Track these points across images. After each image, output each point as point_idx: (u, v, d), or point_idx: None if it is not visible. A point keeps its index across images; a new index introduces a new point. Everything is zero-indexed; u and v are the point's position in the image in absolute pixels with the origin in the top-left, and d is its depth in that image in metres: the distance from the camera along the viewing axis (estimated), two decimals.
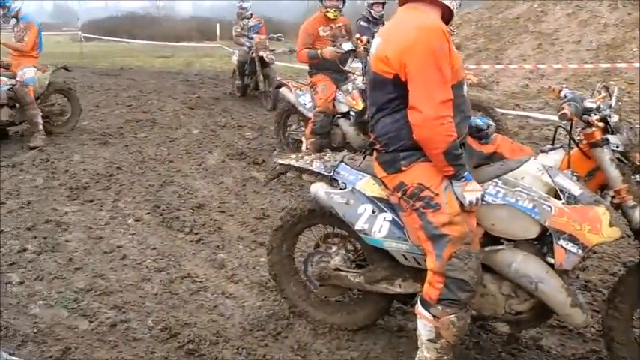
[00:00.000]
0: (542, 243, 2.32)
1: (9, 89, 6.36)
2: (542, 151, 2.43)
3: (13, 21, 6.57)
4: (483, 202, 2.29)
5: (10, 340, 2.76)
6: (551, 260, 2.25)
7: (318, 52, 5.33)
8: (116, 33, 27.26)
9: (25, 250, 3.80)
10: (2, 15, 6.53)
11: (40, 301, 3.17)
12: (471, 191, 2.24)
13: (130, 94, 10.11)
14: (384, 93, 2.32)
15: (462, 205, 2.25)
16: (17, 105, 6.50)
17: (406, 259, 2.54)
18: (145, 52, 21.32)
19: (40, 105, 6.67)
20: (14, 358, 2.44)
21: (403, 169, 2.32)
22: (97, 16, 38.44)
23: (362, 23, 7.75)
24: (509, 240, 2.41)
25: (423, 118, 2.17)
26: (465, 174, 2.26)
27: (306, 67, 5.99)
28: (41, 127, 6.49)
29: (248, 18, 9.56)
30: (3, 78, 6.36)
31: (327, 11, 5.42)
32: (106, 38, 24.69)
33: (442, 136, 2.17)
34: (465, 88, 2.45)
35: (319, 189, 2.67)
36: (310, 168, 2.73)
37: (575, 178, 2.26)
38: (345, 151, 2.90)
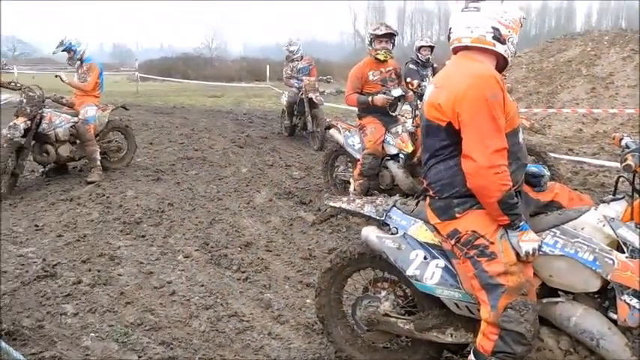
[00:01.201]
0: (604, 297, 2.23)
1: (71, 127, 6.70)
2: (602, 201, 2.35)
3: (78, 63, 6.97)
4: (540, 252, 2.22)
5: None
6: (614, 316, 2.15)
7: (369, 98, 5.38)
8: (170, 73, 28.54)
9: (79, 282, 3.91)
10: (68, 58, 6.95)
11: (92, 334, 3.24)
12: (527, 241, 2.19)
13: (182, 132, 10.45)
14: (438, 140, 2.32)
15: (518, 254, 2.20)
16: (77, 141, 6.83)
17: (459, 307, 2.47)
18: (197, 91, 22.12)
19: (98, 142, 6.98)
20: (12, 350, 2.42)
21: (457, 215, 2.29)
22: (153, 57, 40.42)
23: (410, 66, 7.87)
24: (567, 292, 2.32)
25: (476, 167, 2.16)
26: (521, 223, 2.21)
27: (353, 108, 6.05)
28: (99, 162, 6.77)
29: (298, 60, 9.81)
30: (66, 116, 6.72)
31: (377, 53, 5.47)
32: (161, 78, 25.84)
33: (496, 185, 2.14)
34: (521, 135, 2.42)
35: (370, 233, 2.66)
36: (361, 212, 2.72)
37: (639, 231, 2.17)
38: (397, 195, 2.88)
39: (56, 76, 6.97)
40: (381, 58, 5.49)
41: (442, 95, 2.27)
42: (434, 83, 2.43)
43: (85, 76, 6.89)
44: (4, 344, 2.32)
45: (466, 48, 2.36)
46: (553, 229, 2.29)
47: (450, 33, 2.42)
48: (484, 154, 2.14)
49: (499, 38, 2.29)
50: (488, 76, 2.21)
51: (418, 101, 5.39)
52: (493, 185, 2.15)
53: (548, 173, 2.65)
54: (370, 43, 5.53)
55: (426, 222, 2.51)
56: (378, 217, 2.66)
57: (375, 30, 5.48)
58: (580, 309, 2.23)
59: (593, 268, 2.16)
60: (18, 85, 6.43)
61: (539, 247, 2.21)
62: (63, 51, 6.83)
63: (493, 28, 2.28)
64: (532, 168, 2.60)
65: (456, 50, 2.43)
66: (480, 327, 2.26)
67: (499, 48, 2.31)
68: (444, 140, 2.30)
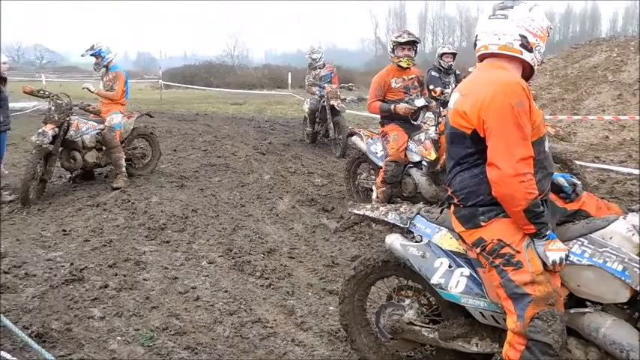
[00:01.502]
0: (634, 308, 2.19)
1: (97, 134, 6.83)
2: (631, 210, 2.31)
3: (103, 70, 7.10)
4: (568, 262, 2.19)
5: None
6: None
7: (391, 107, 5.38)
8: (193, 80, 28.90)
9: (106, 286, 3.98)
10: (95, 63, 7.08)
11: (119, 337, 3.30)
12: (554, 250, 2.16)
13: (205, 139, 10.56)
14: (463, 147, 2.32)
15: (545, 263, 2.17)
16: (103, 148, 6.96)
17: (484, 317, 2.45)
18: (220, 98, 22.34)
19: (124, 148, 7.10)
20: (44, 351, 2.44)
21: (482, 224, 2.28)
22: (176, 65, 40.98)
23: (432, 73, 7.85)
24: (596, 303, 2.29)
25: (501, 176, 2.14)
26: (548, 232, 2.19)
27: (376, 116, 6.04)
28: (124, 169, 6.88)
29: (320, 68, 9.86)
30: (93, 123, 6.85)
31: (400, 60, 5.47)
32: (184, 86, 26.17)
33: (522, 193, 2.12)
34: (547, 144, 2.40)
35: (394, 240, 2.66)
36: (385, 219, 2.73)
37: None
38: (421, 202, 2.87)
39: (83, 88, 7.10)
40: (404, 65, 5.49)
41: (467, 103, 2.27)
42: (459, 91, 2.43)
43: (110, 84, 7.01)
44: (35, 345, 2.37)
45: (493, 55, 2.35)
46: (580, 239, 2.26)
47: (476, 40, 2.41)
48: (509, 162, 2.13)
49: (526, 46, 2.28)
50: (514, 83, 2.20)
51: (441, 108, 5.37)
52: (519, 194, 2.13)
53: (580, 184, 2.61)
54: (392, 51, 5.53)
55: (451, 230, 2.50)
56: (402, 225, 2.66)
57: (397, 38, 5.48)
58: (609, 320, 2.19)
59: (623, 279, 2.12)
60: (46, 92, 6.58)
61: (567, 256, 2.18)
62: (91, 55, 6.97)
63: (521, 35, 2.27)
64: (559, 179, 2.57)
65: (482, 57, 2.42)
66: (506, 337, 2.24)
67: (526, 56, 2.30)
68: (468, 148, 2.30)
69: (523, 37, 2.27)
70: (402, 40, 5.41)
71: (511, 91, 2.17)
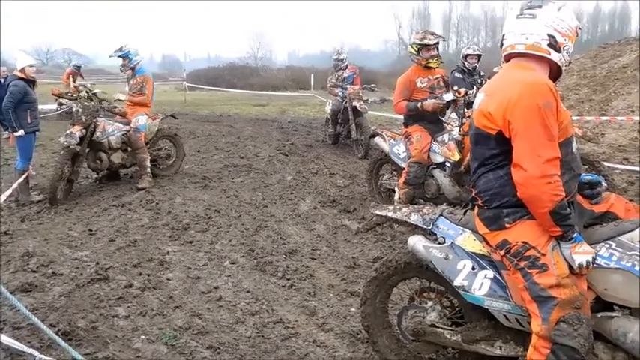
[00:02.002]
0: None
1: (123, 135, 6.94)
2: None
3: (129, 72, 7.21)
4: (595, 265, 2.15)
5: None
6: None
7: (419, 104, 5.34)
8: (217, 82, 29.12)
9: (131, 285, 4.04)
10: (122, 64, 7.19)
11: (143, 336, 3.34)
12: (581, 253, 2.12)
13: (228, 140, 10.65)
14: (488, 149, 2.29)
15: (571, 266, 2.13)
16: (129, 149, 7.07)
17: (508, 319, 2.42)
18: (243, 100, 22.48)
19: (148, 150, 7.20)
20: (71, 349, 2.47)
21: (507, 226, 2.25)
22: (200, 67, 41.39)
23: (456, 74, 7.78)
24: (623, 307, 2.23)
25: (527, 177, 2.11)
26: (575, 235, 2.15)
27: (398, 117, 6.00)
28: (149, 170, 6.98)
29: (343, 69, 9.86)
30: (118, 125, 6.97)
31: (429, 62, 5.43)
32: (208, 87, 26.40)
33: (548, 195, 2.09)
34: (574, 145, 2.36)
35: (417, 242, 2.64)
36: (408, 220, 2.71)
37: None
38: (445, 204, 2.85)
39: (115, 100, 7.19)
40: (434, 66, 5.47)
41: (493, 103, 2.23)
42: (484, 91, 2.39)
43: (138, 87, 7.11)
44: (62, 343, 2.41)
45: (519, 55, 2.31)
46: (608, 241, 2.21)
47: (503, 39, 2.37)
48: (536, 163, 2.09)
49: (555, 46, 2.24)
50: (541, 83, 2.17)
51: (465, 109, 5.31)
52: (545, 195, 2.09)
53: (604, 183, 2.56)
54: (418, 53, 5.47)
55: (474, 232, 2.47)
56: (425, 227, 2.64)
57: (422, 40, 5.42)
58: (637, 324, 2.14)
59: None
60: (74, 95, 6.70)
61: (594, 259, 2.14)
62: (119, 57, 7.08)
63: (549, 35, 2.23)
64: (587, 177, 2.52)
65: (508, 57, 2.38)
66: (531, 340, 2.20)
67: (554, 56, 2.26)
68: (493, 149, 2.27)
69: (551, 36, 2.24)
70: (431, 43, 5.37)
71: (538, 92, 2.14)
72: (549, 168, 2.10)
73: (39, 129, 6.79)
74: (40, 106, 7.35)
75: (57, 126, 11.27)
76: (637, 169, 7.41)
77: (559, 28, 2.24)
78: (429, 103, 5.29)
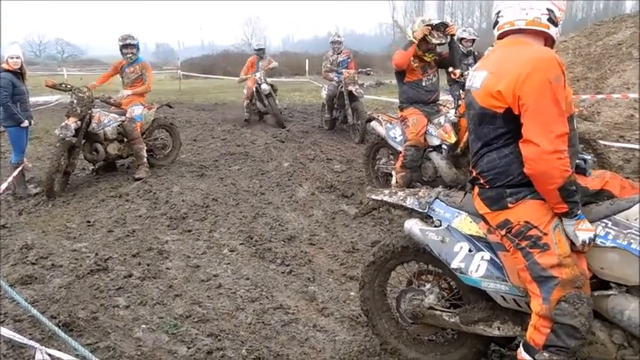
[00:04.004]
0: None
1: (118, 125, 6.92)
2: None
3: (124, 62, 7.17)
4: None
5: None
6: None
7: (409, 38, 5.31)
8: (211, 70, 28.94)
9: (130, 275, 4.05)
10: (131, 53, 7.16)
11: (144, 325, 3.36)
12: (584, 230, 2.12)
13: (224, 128, 10.62)
14: (493, 128, 2.25)
15: (571, 246, 2.14)
16: (125, 140, 7.04)
17: (505, 300, 2.43)
18: (238, 87, 22.32)
19: (144, 139, 7.18)
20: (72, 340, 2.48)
21: (509, 205, 2.24)
22: (194, 55, 41.11)
23: None
24: (620, 285, 2.24)
25: (539, 152, 2.08)
26: (579, 212, 2.15)
27: (393, 100, 5.99)
28: (145, 160, 6.97)
29: (337, 53, 9.81)
30: (114, 115, 6.94)
31: (425, 55, 5.44)
32: (203, 75, 26.26)
33: (559, 170, 2.07)
34: (575, 121, 2.35)
35: (413, 225, 2.64)
36: (404, 204, 2.71)
37: None
38: (440, 187, 2.84)
39: (122, 98, 7.08)
40: (429, 60, 5.51)
41: (502, 81, 2.18)
42: (487, 69, 2.31)
43: (135, 75, 7.10)
44: (63, 334, 2.42)
45: (516, 32, 2.28)
46: (604, 220, 2.21)
47: (498, 17, 2.34)
48: (548, 138, 2.06)
49: (554, 20, 2.23)
50: (551, 58, 2.12)
51: (460, 90, 5.28)
52: (556, 171, 2.07)
53: (590, 158, 2.55)
54: (418, 46, 5.41)
55: (471, 214, 2.47)
56: (420, 210, 2.64)
57: (428, 34, 5.35)
58: (634, 302, 2.15)
59: None
60: (68, 86, 6.66)
61: (595, 236, 2.14)
62: (130, 45, 7.09)
63: (548, 9, 2.21)
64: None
65: (502, 35, 2.34)
66: (531, 320, 2.20)
67: (552, 30, 2.24)
68: (500, 128, 2.23)
69: (550, 11, 2.22)
70: (434, 41, 5.29)
71: (549, 67, 2.10)
72: (560, 143, 2.08)
73: (31, 122, 6.73)
74: (34, 99, 7.31)
75: (52, 118, 11.21)
76: (634, 146, 7.42)
77: (556, 2, 2.22)
78: (419, 32, 5.23)
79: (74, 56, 60.02)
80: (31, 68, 7.38)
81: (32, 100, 7.82)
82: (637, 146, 7.41)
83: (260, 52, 11.27)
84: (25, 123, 6.29)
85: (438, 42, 5.33)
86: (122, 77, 7.31)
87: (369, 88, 10.05)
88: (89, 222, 5.30)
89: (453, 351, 2.80)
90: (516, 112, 2.15)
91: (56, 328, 2.57)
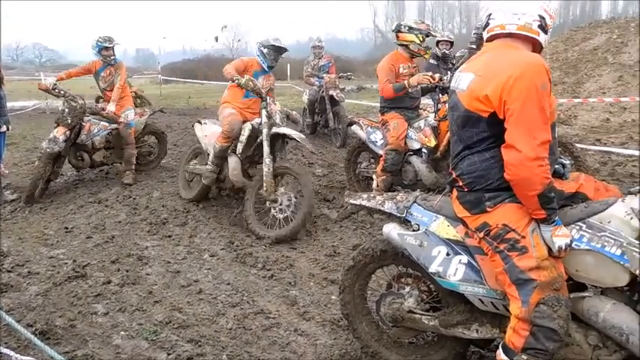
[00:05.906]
0: (633, 291, 2.18)
1: (107, 133, 6.80)
2: (630, 192, 2.28)
3: (99, 65, 6.97)
4: None
5: None
6: None
7: (405, 83, 5.29)
8: (192, 74, 28.75)
9: (109, 282, 4.00)
10: (108, 56, 6.90)
11: (123, 332, 3.32)
12: (560, 236, 2.15)
13: None
14: (477, 131, 2.26)
15: (549, 249, 2.17)
16: (112, 147, 6.91)
17: (483, 303, 2.45)
18: (220, 92, 22.12)
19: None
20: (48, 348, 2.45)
21: (488, 209, 2.25)
22: (175, 60, 40.84)
23: (431, 61, 7.81)
24: (595, 286, 2.28)
25: (521, 158, 2.09)
26: (556, 218, 2.18)
27: (374, 104, 6.04)
28: (134, 166, 6.86)
29: (318, 58, 9.84)
30: (104, 123, 6.78)
31: (427, 52, 5.67)
32: (183, 80, 26.08)
33: (540, 177, 2.09)
34: (556, 129, 2.38)
35: (392, 230, 2.65)
36: (382, 208, 2.72)
37: None
38: (418, 190, 2.86)
39: (112, 114, 6.77)
40: (427, 56, 5.96)
41: (489, 84, 2.18)
42: (474, 71, 2.30)
43: (111, 78, 6.96)
44: (39, 342, 2.39)
45: (506, 35, 2.31)
46: (579, 223, 2.24)
47: (489, 19, 2.35)
48: (531, 145, 2.08)
49: (544, 27, 2.26)
50: (540, 65, 2.14)
51: (440, 95, 5.34)
52: (536, 178, 2.09)
53: (568, 162, 2.59)
54: (407, 47, 5.49)
55: (448, 217, 2.49)
56: (398, 214, 2.65)
57: (429, 31, 5.56)
58: (608, 304, 2.19)
59: (622, 263, 2.11)
60: (62, 92, 6.35)
61: (571, 242, 2.17)
62: (107, 48, 6.89)
63: (540, 16, 2.24)
64: None
65: (491, 38, 2.37)
66: (509, 323, 2.22)
67: (541, 37, 2.27)
68: (483, 132, 2.24)
69: (542, 17, 2.25)
70: (437, 36, 5.50)
71: (537, 73, 2.12)
72: (542, 150, 2.10)
73: (7, 128, 6.60)
74: (11, 104, 7.18)
75: (29, 122, 11.06)
76: (610, 149, 7.56)
77: (547, 9, 2.26)
78: (415, 78, 5.28)
79: (52, 61, 59.19)
80: (8, 73, 7.25)
81: (9, 105, 7.67)
82: (613, 149, 7.55)
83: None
84: (3, 128, 6.17)
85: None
86: (97, 81, 7.12)
87: (350, 93, 10.10)
88: (67, 228, 5.23)
89: (433, 353, 2.81)
90: (501, 117, 2.16)
91: (32, 337, 2.53)
